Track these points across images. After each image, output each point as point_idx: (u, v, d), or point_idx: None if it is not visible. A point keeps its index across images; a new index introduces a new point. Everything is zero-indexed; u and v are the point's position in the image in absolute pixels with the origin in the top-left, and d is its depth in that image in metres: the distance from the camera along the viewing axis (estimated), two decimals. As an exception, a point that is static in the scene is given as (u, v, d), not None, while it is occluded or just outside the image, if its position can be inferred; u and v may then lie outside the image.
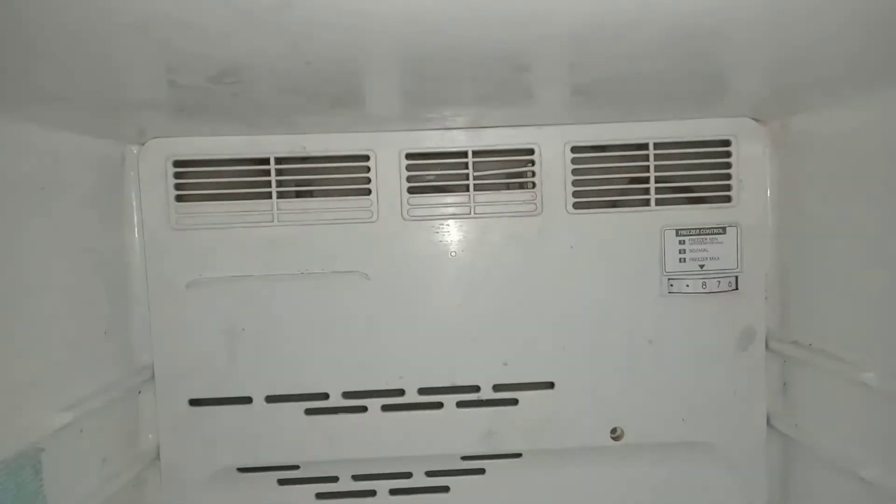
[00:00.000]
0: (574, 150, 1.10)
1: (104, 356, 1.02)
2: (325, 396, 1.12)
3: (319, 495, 1.16)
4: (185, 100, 0.84)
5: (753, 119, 1.11)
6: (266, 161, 1.09)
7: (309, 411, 1.12)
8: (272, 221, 1.10)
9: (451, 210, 1.11)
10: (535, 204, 1.10)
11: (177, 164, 1.09)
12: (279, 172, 1.10)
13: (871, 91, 0.88)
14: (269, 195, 1.10)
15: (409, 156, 1.10)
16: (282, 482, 1.15)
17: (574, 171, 1.10)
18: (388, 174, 1.10)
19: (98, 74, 0.69)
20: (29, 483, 0.83)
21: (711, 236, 1.11)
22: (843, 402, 0.97)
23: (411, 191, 1.11)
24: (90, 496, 0.93)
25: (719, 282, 1.11)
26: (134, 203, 1.10)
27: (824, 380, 1.02)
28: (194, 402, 1.11)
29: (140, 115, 0.93)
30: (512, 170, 1.12)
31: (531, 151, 1.10)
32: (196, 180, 1.10)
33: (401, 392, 1.12)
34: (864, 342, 0.93)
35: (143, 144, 1.09)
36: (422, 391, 1.12)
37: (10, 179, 0.82)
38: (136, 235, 1.10)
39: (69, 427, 0.89)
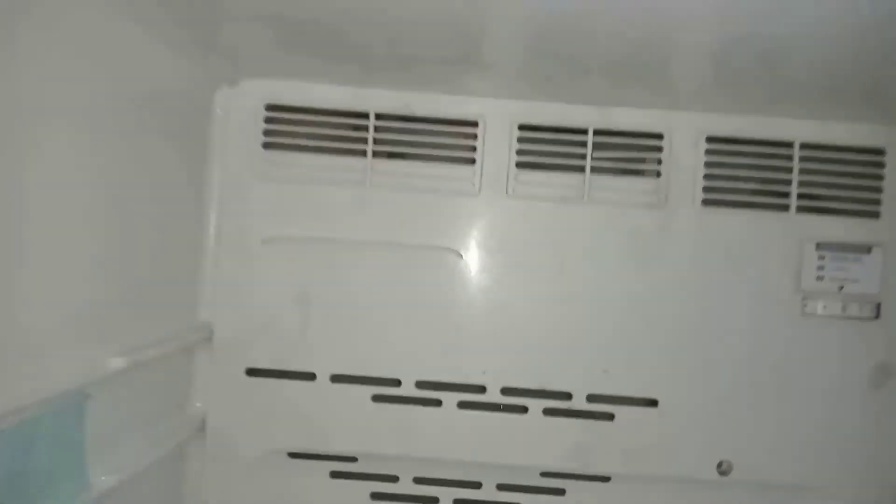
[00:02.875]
0: (710, 140, 0.98)
1: (163, 306, 0.91)
2: (397, 383, 1.00)
3: (375, 496, 1.02)
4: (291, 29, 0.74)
5: (915, 128, 0.99)
6: (365, 115, 1.00)
7: (377, 398, 1.00)
8: (364, 182, 0.99)
9: (561, 192, 1.00)
10: (659, 195, 0.99)
11: (269, 108, 1.00)
12: (377, 129, 1.00)
13: None
14: (363, 153, 1.00)
15: (521, 127, 1.00)
16: (335, 475, 1.02)
17: (707, 164, 0.98)
18: (497, 144, 0.99)
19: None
20: (70, 432, 0.72)
21: (854, 254, 0.98)
22: None
23: (520, 165, 1.00)
24: (130, 461, 0.81)
25: (860, 307, 0.97)
26: (218, 145, 1.00)
27: None
28: (252, 372, 1.00)
29: (241, 40, 0.84)
30: (635, 154, 1.00)
31: (659, 136, 0.99)
32: (287, 128, 1.01)
33: (482, 389, 1.00)
34: None
35: (237, 83, 1.00)
36: (505, 391, 1.00)
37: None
38: (216, 180, 1.00)
39: (120, 376, 0.77)
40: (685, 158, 0.99)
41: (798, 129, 0.98)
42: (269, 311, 1.00)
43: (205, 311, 1.00)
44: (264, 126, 1.00)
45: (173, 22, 0.78)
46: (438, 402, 1.00)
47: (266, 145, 1.00)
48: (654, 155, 0.99)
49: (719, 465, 0.98)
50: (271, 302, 0.99)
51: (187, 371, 0.98)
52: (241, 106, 1.00)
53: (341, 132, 1.01)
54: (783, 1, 0.54)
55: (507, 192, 1.00)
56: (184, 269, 0.97)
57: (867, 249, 0.98)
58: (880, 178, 0.98)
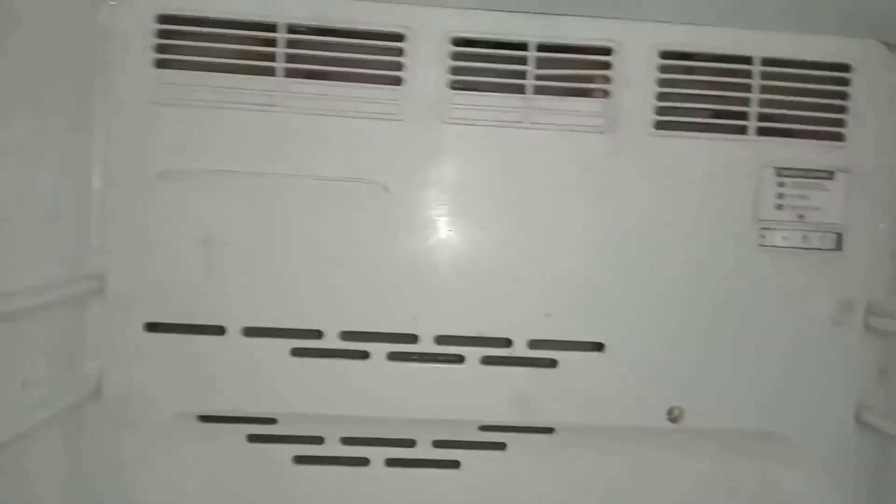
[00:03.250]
0: (664, 55, 0.88)
1: (40, 249, 0.78)
2: (319, 335, 0.89)
3: (299, 459, 0.92)
4: None
5: (883, 43, 0.90)
6: (274, 28, 0.86)
7: (296, 351, 0.89)
8: (275, 105, 0.87)
9: (499, 116, 0.89)
10: (608, 118, 0.89)
11: (162, 19, 0.85)
12: (290, 44, 0.87)
13: None
14: (274, 71, 0.86)
15: (456, 42, 0.88)
16: (253, 439, 0.92)
17: (661, 82, 0.88)
18: (427, 61, 0.87)
19: None
20: None
21: (816, 181, 0.90)
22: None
23: (453, 86, 0.88)
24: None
25: (822, 237, 0.90)
26: (103, 65, 0.86)
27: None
28: (152, 327, 0.87)
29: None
30: (582, 72, 0.89)
31: (608, 51, 0.88)
32: (184, 43, 0.86)
33: (413, 338, 0.90)
34: None
35: (120, -9, 0.85)
36: (440, 340, 0.90)
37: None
38: (101, 105, 0.86)
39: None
40: (636, 77, 0.88)
41: (759, 42, 0.88)
42: (168, 257, 0.87)
43: (95, 259, 0.87)
44: (156, 41, 0.86)
45: None
46: (366, 355, 0.90)
47: (159, 63, 0.86)
48: (603, 72, 0.89)
49: (670, 411, 0.91)
50: (171, 246, 0.87)
51: (76, 328, 0.85)
52: (129, 18, 0.85)
53: (247, 47, 0.87)
54: None
55: (437, 116, 0.88)
56: (67, 208, 0.83)
57: (830, 175, 0.90)
58: (845, 97, 0.90)
